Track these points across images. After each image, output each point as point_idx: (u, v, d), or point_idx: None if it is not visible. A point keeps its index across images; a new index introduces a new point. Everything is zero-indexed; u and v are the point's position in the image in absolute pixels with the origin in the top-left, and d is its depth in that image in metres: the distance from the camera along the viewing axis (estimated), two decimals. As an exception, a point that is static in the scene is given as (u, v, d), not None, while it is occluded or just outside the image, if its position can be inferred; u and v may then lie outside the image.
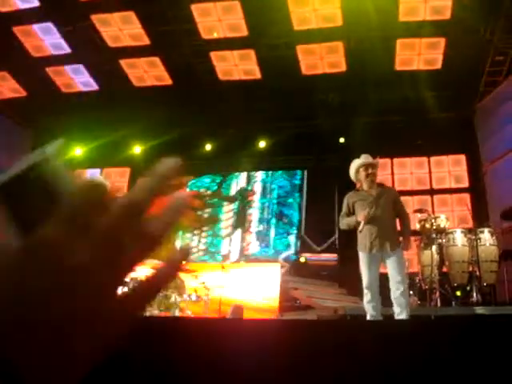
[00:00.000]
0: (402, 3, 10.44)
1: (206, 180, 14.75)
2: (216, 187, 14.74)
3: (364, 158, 5.92)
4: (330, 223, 12.36)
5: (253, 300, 10.40)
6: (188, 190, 14.27)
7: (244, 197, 14.41)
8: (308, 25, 11.04)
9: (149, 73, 12.77)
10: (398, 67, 11.74)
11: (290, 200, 14.08)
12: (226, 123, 12.95)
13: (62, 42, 12.09)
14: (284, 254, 13.31)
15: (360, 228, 5.54)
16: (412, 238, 9.12)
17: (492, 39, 10.67)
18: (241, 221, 14.15)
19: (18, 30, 11.92)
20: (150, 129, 13.47)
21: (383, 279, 5.74)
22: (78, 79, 13.17)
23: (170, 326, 3.68)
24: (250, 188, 14.50)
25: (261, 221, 14.05)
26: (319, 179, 13.33)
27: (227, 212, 14.42)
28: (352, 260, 6.66)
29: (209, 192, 14.63)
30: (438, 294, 7.88)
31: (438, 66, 11.56)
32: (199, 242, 14.11)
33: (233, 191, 14.61)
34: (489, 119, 11.48)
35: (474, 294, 7.92)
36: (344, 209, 5.86)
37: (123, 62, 12.56)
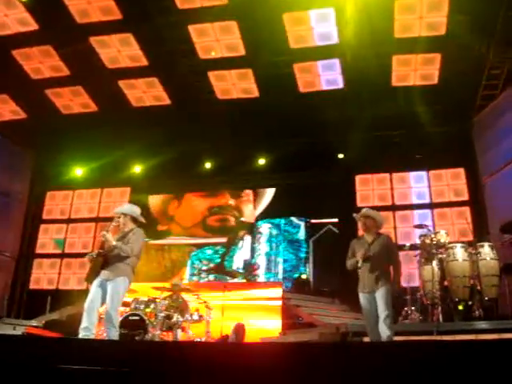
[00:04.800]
0: (397, 20, 10.52)
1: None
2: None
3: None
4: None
5: (255, 319, 10.34)
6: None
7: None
8: (304, 43, 11.14)
9: (147, 93, 12.85)
10: (395, 83, 11.79)
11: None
12: (224, 141, 13.00)
13: (61, 64, 12.19)
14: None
15: (359, 265, 6.33)
16: (412, 253, 9.20)
17: (487, 53, 10.74)
18: None
19: (17, 53, 12.04)
20: (150, 148, 13.54)
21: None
22: (78, 101, 13.25)
23: (169, 349, 3.69)
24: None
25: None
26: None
27: None
28: (352, 277, 6.73)
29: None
30: (439, 309, 7.88)
31: (435, 81, 11.60)
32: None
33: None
34: (486, 132, 11.51)
35: (476, 309, 7.91)
36: (349, 253, 6.66)
37: (122, 83, 12.65)
